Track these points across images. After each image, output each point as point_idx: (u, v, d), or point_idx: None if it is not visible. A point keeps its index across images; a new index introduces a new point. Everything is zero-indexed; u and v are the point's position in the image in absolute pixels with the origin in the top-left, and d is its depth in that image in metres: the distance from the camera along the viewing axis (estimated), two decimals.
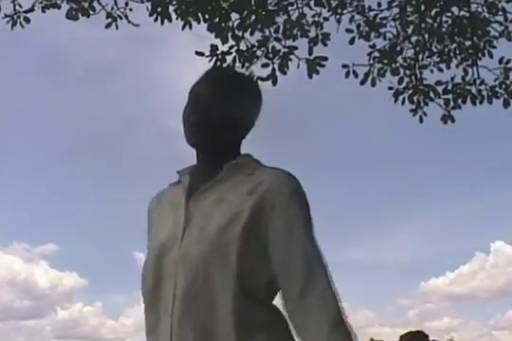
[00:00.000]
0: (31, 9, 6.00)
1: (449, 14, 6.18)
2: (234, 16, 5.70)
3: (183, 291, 1.52)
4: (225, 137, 1.69)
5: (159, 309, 1.57)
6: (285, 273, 1.53)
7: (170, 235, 1.60)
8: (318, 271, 1.52)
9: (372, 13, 6.15)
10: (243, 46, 5.77)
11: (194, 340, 1.51)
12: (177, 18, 5.67)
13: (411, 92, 6.24)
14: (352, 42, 6.11)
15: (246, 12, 5.67)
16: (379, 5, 6.16)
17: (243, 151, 1.75)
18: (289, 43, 5.76)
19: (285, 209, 1.56)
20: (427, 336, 5.40)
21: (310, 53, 5.65)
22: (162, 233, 1.63)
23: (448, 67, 6.29)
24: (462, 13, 6.13)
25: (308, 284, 1.51)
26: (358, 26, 6.15)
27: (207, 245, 1.52)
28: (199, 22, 5.66)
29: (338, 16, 6.05)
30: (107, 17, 6.01)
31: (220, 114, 1.66)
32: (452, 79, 6.21)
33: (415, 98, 6.23)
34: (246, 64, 5.74)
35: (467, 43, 6.21)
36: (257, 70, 5.64)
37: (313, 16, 6.00)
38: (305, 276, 1.51)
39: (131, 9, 6.00)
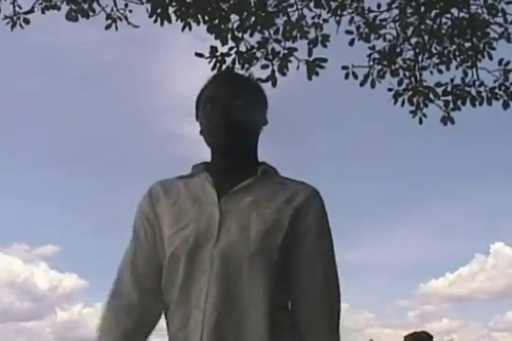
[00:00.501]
0: (31, 11, 6.00)
1: (449, 16, 6.18)
2: (234, 18, 5.70)
3: (221, 288, 1.54)
4: (246, 139, 1.72)
5: (190, 304, 1.57)
6: (300, 290, 1.63)
7: (201, 230, 1.60)
8: (332, 295, 1.65)
9: (371, 15, 6.15)
10: (242, 48, 5.77)
11: (227, 337, 1.53)
12: (177, 19, 5.67)
13: (410, 93, 6.23)
14: (351, 43, 6.11)
15: (245, 14, 5.67)
16: (379, 6, 6.16)
17: None
18: (289, 44, 5.77)
19: (318, 228, 1.67)
20: (431, 337, 5.38)
21: (310, 54, 5.65)
22: (189, 226, 1.62)
23: (448, 69, 6.29)
24: (461, 15, 6.13)
25: (318, 305, 1.61)
26: (358, 27, 6.14)
27: (252, 247, 1.56)
28: (199, 23, 5.65)
29: (337, 18, 6.04)
30: (107, 18, 6.00)
31: (242, 115, 1.68)
32: (452, 80, 6.20)
33: (415, 100, 6.22)
34: (246, 66, 5.73)
35: (467, 44, 6.21)
36: (257, 71, 5.64)
37: (312, 18, 6.00)
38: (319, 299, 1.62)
39: (130, 11, 6.00)
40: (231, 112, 1.67)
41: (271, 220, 1.60)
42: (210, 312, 1.53)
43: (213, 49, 5.64)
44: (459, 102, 6.18)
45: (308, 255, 1.63)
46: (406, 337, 5.42)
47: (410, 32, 6.25)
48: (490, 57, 6.17)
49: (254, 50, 5.76)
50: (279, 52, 5.72)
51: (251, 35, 5.74)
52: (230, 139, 1.67)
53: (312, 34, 5.87)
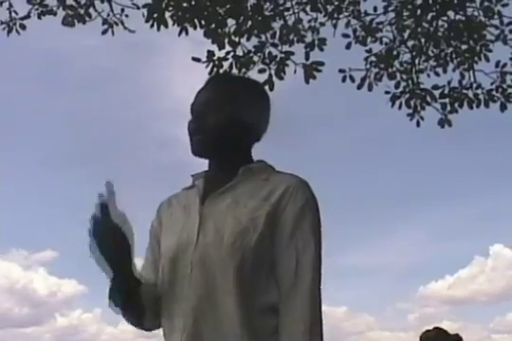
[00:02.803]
0: (27, 16, 5.99)
1: (446, 18, 6.18)
2: (231, 22, 5.71)
3: (198, 293, 1.54)
4: (226, 141, 1.69)
5: (174, 309, 1.58)
6: (280, 284, 1.55)
7: (183, 237, 1.61)
8: (303, 290, 1.53)
9: (368, 18, 6.16)
10: (239, 52, 5.77)
11: None
12: (173, 24, 5.67)
13: (407, 96, 6.24)
14: (348, 46, 6.11)
15: (242, 18, 5.67)
16: (375, 9, 6.17)
17: None
18: (286, 48, 5.78)
19: (296, 220, 1.58)
20: (445, 332, 5.26)
21: (307, 58, 5.65)
22: (175, 235, 1.64)
23: (445, 71, 6.29)
24: (458, 17, 6.14)
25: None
26: (355, 30, 6.15)
27: (224, 250, 1.54)
28: (195, 28, 5.65)
29: (334, 21, 6.05)
30: (103, 23, 6.00)
31: (212, 118, 1.68)
32: (449, 83, 6.21)
33: (412, 103, 6.23)
34: (243, 70, 5.73)
35: (464, 47, 6.21)
36: (254, 76, 5.62)
37: (309, 21, 6.01)
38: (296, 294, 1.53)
39: (127, 16, 6.00)
40: (203, 119, 1.68)
41: (246, 220, 1.56)
42: (189, 317, 1.54)
43: (210, 54, 5.64)
44: (456, 105, 6.18)
45: (283, 249, 1.56)
46: (421, 337, 5.29)
47: (406, 35, 6.26)
48: (487, 59, 6.18)
49: (251, 54, 5.76)
50: (276, 56, 5.72)
51: (248, 39, 5.74)
52: (204, 153, 1.72)
53: (309, 38, 5.88)
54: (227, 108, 1.68)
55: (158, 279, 1.67)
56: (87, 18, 5.92)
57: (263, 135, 1.77)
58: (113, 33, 6.03)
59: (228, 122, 1.68)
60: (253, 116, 1.72)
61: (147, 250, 1.79)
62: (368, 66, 6.16)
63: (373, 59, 6.18)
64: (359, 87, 6.08)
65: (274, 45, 5.75)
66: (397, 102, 6.22)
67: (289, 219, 1.57)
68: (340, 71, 5.97)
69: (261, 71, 5.67)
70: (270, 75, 5.65)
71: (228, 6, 5.67)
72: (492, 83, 6.15)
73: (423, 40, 6.26)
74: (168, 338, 1.61)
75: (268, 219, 1.57)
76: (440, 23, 6.20)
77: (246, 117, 1.70)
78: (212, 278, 1.53)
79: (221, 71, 5.62)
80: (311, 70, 5.53)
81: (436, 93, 6.20)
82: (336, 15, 6.04)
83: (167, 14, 5.63)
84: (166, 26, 5.63)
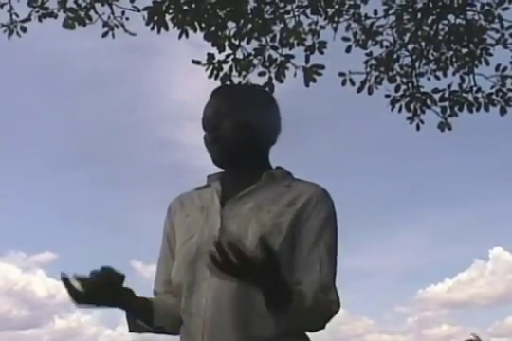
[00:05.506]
0: (28, 19, 5.99)
1: (446, 22, 6.20)
2: (231, 25, 5.71)
3: (218, 295, 1.55)
4: (242, 146, 1.71)
5: (192, 312, 1.58)
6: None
7: (204, 238, 1.61)
8: (324, 300, 1.55)
9: (368, 21, 6.16)
10: (239, 55, 5.77)
11: None
12: (174, 27, 5.66)
13: (407, 100, 6.24)
14: (348, 50, 6.11)
15: (242, 21, 5.67)
16: (376, 13, 6.18)
17: None
18: (286, 51, 5.77)
19: (319, 229, 1.62)
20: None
21: (307, 61, 5.65)
22: (194, 236, 1.64)
23: (445, 75, 6.30)
24: (458, 21, 6.15)
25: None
26: (355, 34, 6.16)
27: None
28: (196, 30, 5.65)
29: (334, 24, 6.05)
30: (104, 26, 6.00)
31: (225, 126, 1.70)
32: (449, 86, 6.22)
33: (412, 106, 6.23)
34: (243, 73, 5.74)
35: (464, 50, 6.22)
36: (254, 79, 5.64)
37: (309, 24, 6.01)
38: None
39: (127, 18, 6.00)
40: (218, 128, 1.70)
41: (270, 225, 1.58)
42: (209, 318, 1.54)
43: (210, 56, 5.65)
44: (456, 108, 6.18)
45: (305, 256, 1.59)
46: None
47: (406, 39, 6.27)
48: (487, 63, 6.18)
49: (251, 57, 5.75)
50: (276, 59, 5.72)
51: (248, 42, 5.74)
52: (225, 162, 1.73)
53: (309, 41, 5.87)
54: (235, 113, 1.71)
55: (173, 280, 1.66)
56: (88, 21, 5.90)
57: (277, 137, 1.79)
58: (113, 36, 6.03)
59: (239, 126, 1.70)
60: (262, 117, 1.74)
61: (165, 254, 1.77)
62: (368, 70, 6.17)
63: (373, 62, 6.19)
64: (359, 90, 6.08)
65: (274, 48, 5.74)
66: (397, 106, 6.22)
67: (313, 228, 1.61)
68: (340, 74, 5.97)
69: (261, 74, 5.67)
70: (270, 78, 5.66)
71: (228, 8, 5.66)
72: (492, 87, 6.17)
73: (423, 43, 6.27)
74: (185, 338, 1.62)
75: (292, 225, 1.60)
76: (440, 26, 6.21)
77: (255, 120, 1.73)
78: (233, 281, 1.52)
79: (221, 74, 5.63)
80: (311, 73, 5.52)
81: (436, 96, 6.21)
82: (336, 18, 6.04)
83: (167, 17, 5.62)
84: (166, 28, 5.62)
